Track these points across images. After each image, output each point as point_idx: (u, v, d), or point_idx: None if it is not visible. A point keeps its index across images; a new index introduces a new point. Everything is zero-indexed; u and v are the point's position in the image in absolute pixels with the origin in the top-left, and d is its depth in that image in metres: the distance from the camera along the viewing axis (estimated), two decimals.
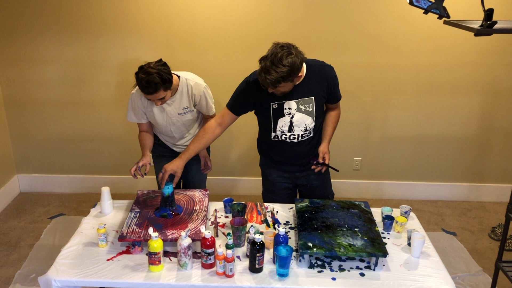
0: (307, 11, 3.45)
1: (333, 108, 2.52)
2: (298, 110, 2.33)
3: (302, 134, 2.39)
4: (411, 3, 1.90)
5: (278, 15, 3.46)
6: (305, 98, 2.32)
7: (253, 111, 2.46)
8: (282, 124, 2.36)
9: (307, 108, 2.34)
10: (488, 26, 1.81)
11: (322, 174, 2.57)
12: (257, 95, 2.33)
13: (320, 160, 2.40)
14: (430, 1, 1.92)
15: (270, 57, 2.08)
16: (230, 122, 2.45)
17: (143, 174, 2.50)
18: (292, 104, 2.32)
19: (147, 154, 2.59)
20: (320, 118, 2.43)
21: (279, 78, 2.08)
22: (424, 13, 1.94)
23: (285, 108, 2.33)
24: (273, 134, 2.42)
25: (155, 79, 2.28)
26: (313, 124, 2.39)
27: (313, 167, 2.41)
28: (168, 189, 2.30)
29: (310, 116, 2.36)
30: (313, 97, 2.33)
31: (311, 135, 2.43)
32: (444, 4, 1.92)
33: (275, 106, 2.33)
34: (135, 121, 2.66)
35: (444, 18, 1.96)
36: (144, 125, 2.68)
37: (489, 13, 1.82)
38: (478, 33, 1.82)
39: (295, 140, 2.41)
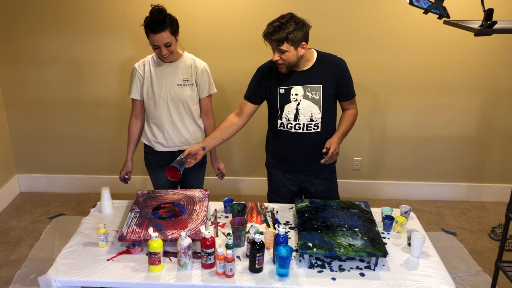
0: (306, 12, 3.43)
1: (349, 107, 2.52)
2: (305, 97, 2.36)
3: (307, 124, 2.39)
4: (411, 3, 1.90)
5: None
6: (313, 85, 2.35)
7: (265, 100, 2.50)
8: (288, 111, 2.38)
9: (314, 96, 2.36)
10: (488, 26, 1.81)
11: (327, 180, 2.57)
12: (267, 79, 2.41)
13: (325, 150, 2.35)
14: (430, 1, 1.92)
15: (278, 18, 2.24)
16: (250, 112, 2.50)
17: (127, 180, 2.80)
18: (299, 90, 2.36)
19: (128, 160, 2.76)
20: (328, 112, 2.41)
21: (284, 34, 2.18)
22: (424, 13, 1.94)
23: (292, 94, 2.36)
24: (279, 122, 2.43)
25: (165, 13, 2.40)
26: (320, 115, 2.38)
27: (322, 161, 2.33)
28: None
29: (316, 105, 2.37)
30: (321, 85, 2.36)
31: (318, 129, 2.42)
32: (444, 4, 1.92)
33: (282, 91, 2.38)
34: (133, 96, 2.65)
35: (444, 18, 1.96)
36: (137, 105, 2.66)
37: (489, 13, 1.82)
38: (478, 33, 1.82)
39: (300, 130, 2.41)
